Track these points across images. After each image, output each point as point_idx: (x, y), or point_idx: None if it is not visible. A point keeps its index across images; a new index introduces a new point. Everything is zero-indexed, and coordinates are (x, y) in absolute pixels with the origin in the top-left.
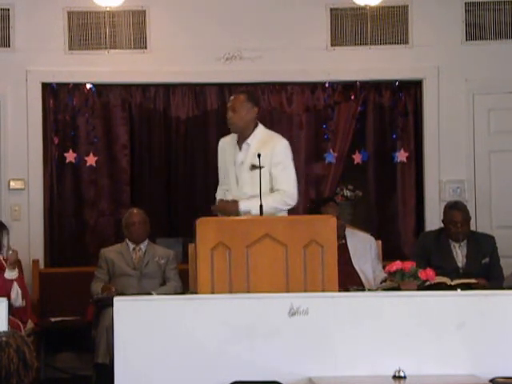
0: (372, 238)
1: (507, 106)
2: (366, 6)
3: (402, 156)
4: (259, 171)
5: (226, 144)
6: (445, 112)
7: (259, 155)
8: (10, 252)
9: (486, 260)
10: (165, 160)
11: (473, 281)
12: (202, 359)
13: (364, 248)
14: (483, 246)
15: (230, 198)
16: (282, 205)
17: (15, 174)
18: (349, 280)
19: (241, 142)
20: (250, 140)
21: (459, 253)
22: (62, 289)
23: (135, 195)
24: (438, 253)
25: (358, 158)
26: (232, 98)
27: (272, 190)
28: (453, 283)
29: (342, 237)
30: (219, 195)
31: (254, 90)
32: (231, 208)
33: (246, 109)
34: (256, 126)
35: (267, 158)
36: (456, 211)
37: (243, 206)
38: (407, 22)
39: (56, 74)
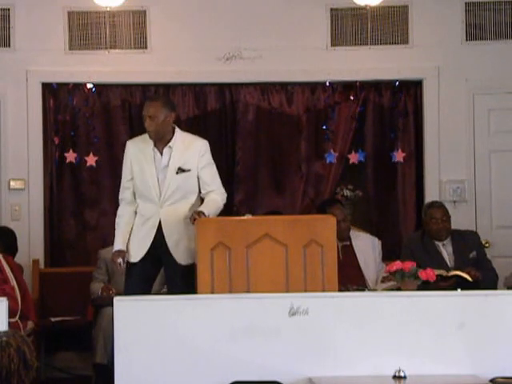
0: (375, 239)
1: (507, 106)
2: (366, 5)
3: (401, 156)
4: (187, 173)
5: (139, 150)
6: (445, 112)
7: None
8: None
9: (474, 254)
10: None
11: (466, 276)
12: (202, 359)
13: (368, 249)
14: (468, 241)
15: (146, 206)
16: (222, 204)
17: (15, 174)
18: (355, 281)
19: (160, 146)
20: (171, 143)
21: (445, 251)
22: (62, 289)
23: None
24: (425, 254)
25: (354, 157)
26: (147, 104)
27: (199, 191)
28: (449, 274)
29: (346, 238)
30: (125, 216)
31: (168, 95)
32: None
33: (163, 115)
34: (174, 129)
35: (194, 160)
36: (435, 208)
37: (206, 212)
38: (407, 22)
39: (56, 74)
